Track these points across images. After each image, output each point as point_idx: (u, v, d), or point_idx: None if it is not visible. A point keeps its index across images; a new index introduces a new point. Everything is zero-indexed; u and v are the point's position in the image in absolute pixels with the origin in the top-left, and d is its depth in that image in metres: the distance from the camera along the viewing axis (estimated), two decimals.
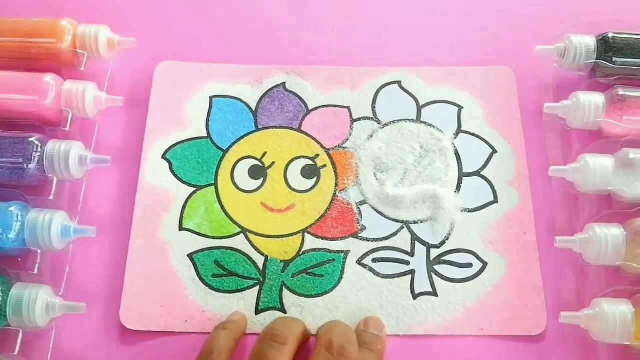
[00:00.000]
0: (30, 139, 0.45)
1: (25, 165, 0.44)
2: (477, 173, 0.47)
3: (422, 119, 0.49)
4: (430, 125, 0.49)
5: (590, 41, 0.48)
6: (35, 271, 0.42)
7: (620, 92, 0.46)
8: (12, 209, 0.42)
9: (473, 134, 0.49)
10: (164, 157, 0.48)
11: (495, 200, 0.46)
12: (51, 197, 0.44)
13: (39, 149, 0.45)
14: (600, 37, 0.48)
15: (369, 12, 0.55)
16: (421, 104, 0.50)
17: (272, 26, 0.54)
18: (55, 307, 0.40)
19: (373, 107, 0.50)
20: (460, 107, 0.50)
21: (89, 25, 0.50)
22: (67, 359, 0.42)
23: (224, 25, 0.54)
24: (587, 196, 0.45)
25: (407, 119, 0.49)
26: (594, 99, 0.46)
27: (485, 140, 0.48)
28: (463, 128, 0.49)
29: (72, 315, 0.42)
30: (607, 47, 0.48)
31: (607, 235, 0.41)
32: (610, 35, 0.48)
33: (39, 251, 0.43)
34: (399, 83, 0.51)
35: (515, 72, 0.51)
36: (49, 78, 0.47)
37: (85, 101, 0.47)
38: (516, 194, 0.46)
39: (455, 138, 0.49)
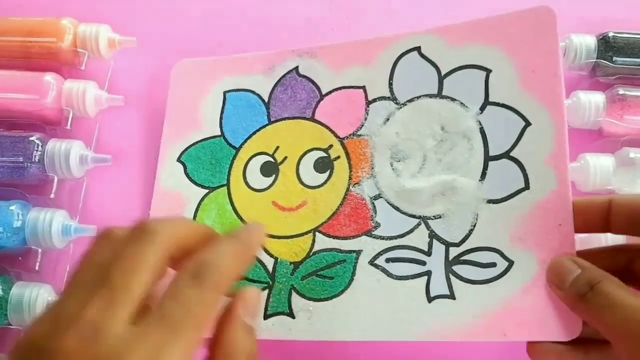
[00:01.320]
0: (31, 138, 0.45)
1: (25, 164, 0.44)
2: (506, 155, 0.40)
3: (443, 93, 0.43)
4: (453, 99, 0.42)
5: (590, 40, 0.48)
6: (36, 269, 0.42)
7: (621, 92, 0.46)
8: (12, 207, 0.42)
9: (503, 105, 0.41)
10: (179, 160, 0.47)
11: (527, 187, 0.39)
12: (52, 196, 0.45)
13: (40, 148, 0.45)
14: (601, 37, 0.48)
15: (375, 15, 0.55)
16: (443, 73, 0.43)
17: (278, 11, 0.54)
18: None
19: (390, 84, 0.45)
20: (488, 71, 0.41)
21: (89, 25, 0.50)
22: None
23: (225, 24, 0.54)
24: (587, 196, 0.45)
25: (427, 94, 0.43)
26: (595, 99, 0.46)
27: (517, 111, 0.40)
28: (491, 98, 0.41)
29: None
30: (608, 46, 0.48)
31: (608, 235, 0.41)
32: (610, 34, 0.48)
33: (40, 250, 0.43)
34: (418, 49, 0.45)
35: None
36: (49, 77, 0.47)
37: (86, 100, 0.48)
38: (553, 175, 0.38)
39: (482, 112, 0.42)
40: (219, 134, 0.47)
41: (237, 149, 0.46)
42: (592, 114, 0.46)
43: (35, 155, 0.44)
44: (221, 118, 0.47)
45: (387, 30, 0.53)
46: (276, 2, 0.55)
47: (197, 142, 0.47)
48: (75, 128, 0.48)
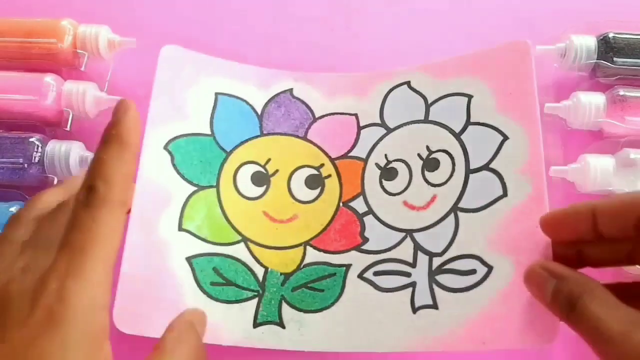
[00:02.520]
0: (31, 139, 0.45)
1: (25, 165, 0.44)
2: (486, 167, 0.42)
3: (430, 118, 0.46)
4: (438, 123, 0.45)
5: (590, 41, 0.48)
6: None
7: (621, 92, 0.46)
8: (12, 209, 0.42)
9: (483, 124, 0.44)
10: (165, 148, 0.45)
11: (505, 194, 0.41)
12: None
13: (40, 149, 0.45)
14: (601, 37, 0.48)
15: (376, 17, 0.55)
16: (430, 101, 0.46)
17: (277, 30, 0.54)
18: None
19: (381, 113, 0.47)
20: (469, 97, 0.45)
21: (89, 26, 0.50)
22: None
23: (227, 28, 0.54)
24: (587, 196, 0.45)
25: (415, 121, 0.46)
26: (595, 99, 0.46)
27: (495, 128, 0.43)
28: (472, 119, 0.44)
29: None
30: (608, 47, 0.48)
31: None
32: (611, 35, 0.48)
33: None
34: (408, 84, 0.48)
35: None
36: (49, 78, 0.47)
37: (86, 101, 0.48)
38: (528, 182, 0.40)
39: (464, 132, 0.44)
40: (210, 133, 0.46)
41: (228, 153, 0.46)
42: (592, 115, 0.46)
43: (35, 157, 0.44)
44: (212, 118, 0.47)
45: (386, 33, 0.54)
46: (280, 9, 0.55)
47: (185, 135, 0.46)
48: (75, 129, 0.48)
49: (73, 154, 0.45)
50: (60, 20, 0.49)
